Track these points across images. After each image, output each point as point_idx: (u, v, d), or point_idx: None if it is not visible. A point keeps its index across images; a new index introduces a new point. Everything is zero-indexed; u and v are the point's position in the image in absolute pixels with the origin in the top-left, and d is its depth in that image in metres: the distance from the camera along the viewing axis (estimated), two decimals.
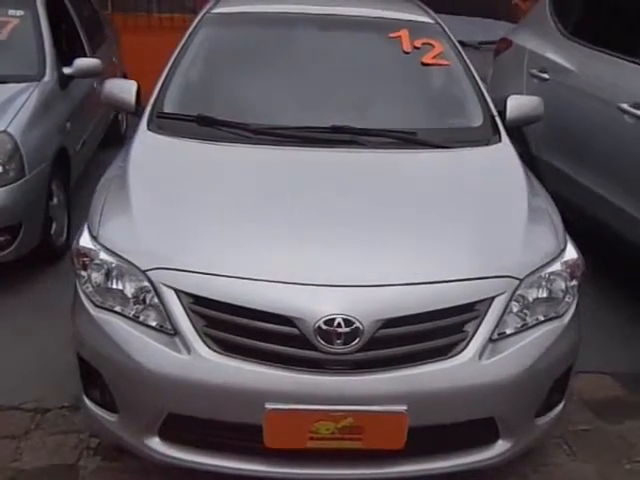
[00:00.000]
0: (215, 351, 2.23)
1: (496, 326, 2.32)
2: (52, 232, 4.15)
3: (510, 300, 2.36)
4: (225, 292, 2.25)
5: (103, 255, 2.43)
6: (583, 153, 4.04)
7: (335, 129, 3.00)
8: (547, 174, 4.21)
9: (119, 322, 2.35)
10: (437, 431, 2.31)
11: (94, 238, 2.50)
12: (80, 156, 4.81)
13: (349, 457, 2.33)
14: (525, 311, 2.40)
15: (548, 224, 2.68)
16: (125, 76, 6.26)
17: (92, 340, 2.39)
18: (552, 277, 2.47)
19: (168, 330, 2.29)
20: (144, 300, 2.35)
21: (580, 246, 2.62)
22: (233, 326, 2.24)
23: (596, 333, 3.39)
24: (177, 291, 2.28)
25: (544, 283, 2.45)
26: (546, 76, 4.45)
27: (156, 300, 2.32)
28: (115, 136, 6.18)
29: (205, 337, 2.25)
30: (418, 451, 2.31)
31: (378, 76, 3.41)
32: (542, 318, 2.42)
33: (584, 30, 4.35)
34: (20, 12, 4.63)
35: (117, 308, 2.37)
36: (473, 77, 3.43)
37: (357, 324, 2.18)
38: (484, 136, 3.14)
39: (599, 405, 3.07)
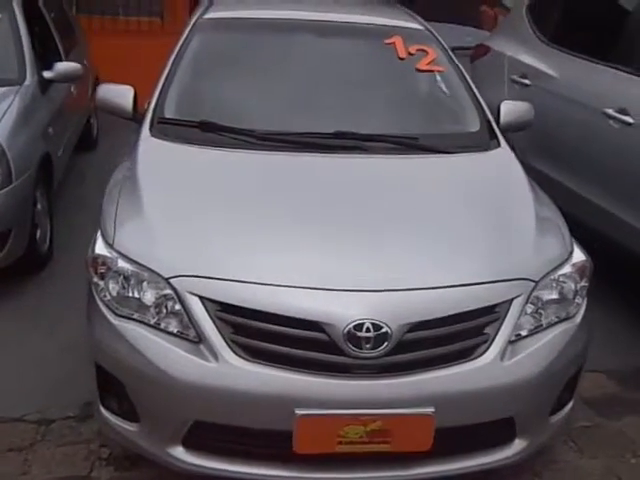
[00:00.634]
0: (243, 358, 2.23)
1: (514, 328, 2.38)
2: (37, 239, 4.06)
3: (526, 302, 2.42)
4: (253, 299, 2.25)
5: (121, 263, 2.40)
6: (568, 157, 4.16)
7: (338, 135, 3.02)
8: (533, 178, 4.30)
9: (141, 330, 2.32)
10: (460, 432, 2.35)
11: (109, 245, 2.47)
12: (61, 161, 4.72)
13: (373, 460, 2.35)
14: (540, 312, 2.46)
15: (555, 227, 2.76)
16: (97, 80, 6.16)
17: (113, 349, 2.35)
18: (563, 279, 2.55)
19: (192, 337, 2.28)
20: (165, 307, 2.33)
21: None
22: (261, 333, 2.24)
23: None
24: (202, 298, 2.27)
25: (556, 285, 2.52)
26: (527, 82, 4.56)
27: (178, 307, 2.30)
28: (87, 141, 6.07)
29: (232, 344, 2.24)
30: (443, 452, 2.34)
31: (376, 82, 3.45)
32: (555, 319, 2.49)
33: (563, 37, 4.48)
34: None
35: (137, 316, 2.35)
36: (467, 82, 3.50)
37: (385, 328, 2.20)
38: (483, 141, 3.21)
39: (597, 402, 3.16)
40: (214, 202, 2.65)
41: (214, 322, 2.25)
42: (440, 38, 3.72)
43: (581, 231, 4.02)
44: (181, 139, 3.00)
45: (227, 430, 2.28)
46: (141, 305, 2.36)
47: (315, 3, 4.21)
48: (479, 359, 2.31)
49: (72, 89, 5.10)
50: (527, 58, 4.62)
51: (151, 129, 3.07)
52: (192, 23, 3.66)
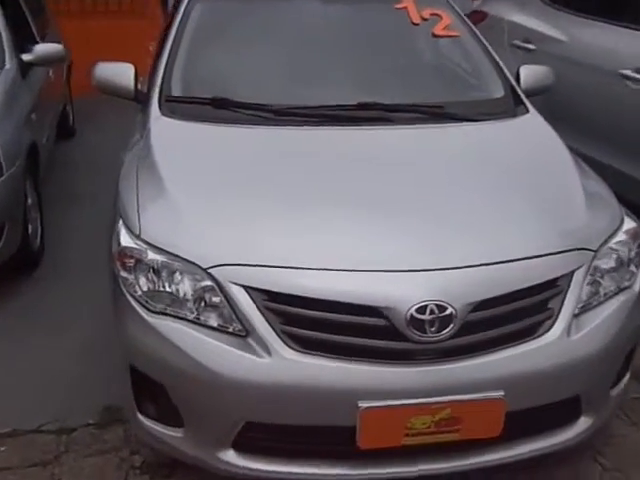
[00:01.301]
0: (297, 350, 2.04)
1: (577, 300, 2.24)
2: (29, 234, 3.80)
3: (587, 273, 2.28)
4: (304, 286, 2.06)
5: (152, 254, 2.19)
6: (582, 122, 4.03)
7: (362, 106, 2.84)
8: None
9: (182, 327, 2.12)
10: (529, 414, 2.21)
11: (136, 236, 2.25)
12: (46, 151, 4.43)
13: (437, 450, 2.19)
14: (600, 282, 2.33)
15: (603, 193, 2.63)
16: (71, 63, 5.85)
17: (151, 350, 2.15)
18: (618, 247, 2.41)
19: (236, 331, 2.09)
20: (203, 300, 2.13)
21: None
22: (314, 322, 2.05)
23: None
24: (248, 288, 2.07)
25: (613, 254, 2.39)
26: (532, 46, 4.42)
27: (217, 299, 2.11)
28: (65, 127, 5.77)
29: (284, 336, 2.05)
30: (512, 436, 2.20)
31: (393, 50, 3.26)
32: (614, 289, 2.36)
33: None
34: None
35: (171, 310, 2.14)
36: (485, 47, 3.34)
37: (450, 309, 2.04)
38: (509, 107, 3.05)
39: None
40: (240, 183, 2.45)
41: (262, 313, 2.06)
42: (451, 1, 3.54)
43: None
44: (192, 117, 2.78)
45: (282, 429, 2.10)
46: (176, 299, 2.15)
47: None
48: (545, 336, 2.16)
49: (50, 73, 4.80)
50: (530, 22, 4.47)
51: (160, 108, 2.85)
52: None
